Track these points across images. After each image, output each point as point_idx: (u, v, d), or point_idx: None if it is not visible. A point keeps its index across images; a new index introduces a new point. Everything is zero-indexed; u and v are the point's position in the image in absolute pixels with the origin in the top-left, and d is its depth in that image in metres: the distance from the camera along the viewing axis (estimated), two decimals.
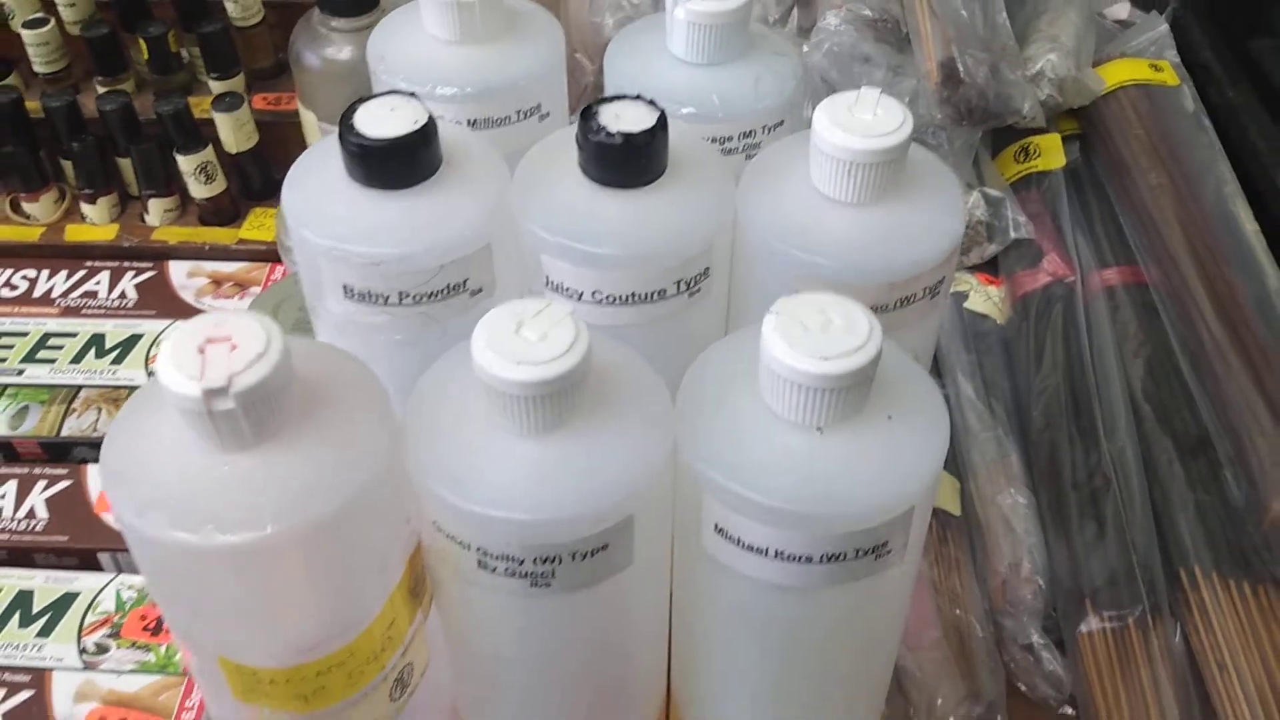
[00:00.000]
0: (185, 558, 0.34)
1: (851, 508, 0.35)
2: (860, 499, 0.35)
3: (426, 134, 0.41)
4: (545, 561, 0.35)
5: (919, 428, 0.36)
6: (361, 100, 0.43)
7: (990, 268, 0.70)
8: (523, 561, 0.35)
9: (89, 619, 0.53)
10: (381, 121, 0.42)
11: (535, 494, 0.35)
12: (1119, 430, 0.59)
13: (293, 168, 0.45)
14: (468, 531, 0.35)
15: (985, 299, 0.68)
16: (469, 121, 0.50)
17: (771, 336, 0.34)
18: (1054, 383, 0.62)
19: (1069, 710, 0.54)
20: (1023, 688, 0.54)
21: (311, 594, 0.36)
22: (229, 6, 0.73)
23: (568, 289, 0.43)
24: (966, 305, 0.68)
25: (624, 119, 0.42)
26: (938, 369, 0.66)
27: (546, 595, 0.36)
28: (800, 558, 0.36)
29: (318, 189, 0.43)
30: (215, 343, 0.33)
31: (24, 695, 0.51)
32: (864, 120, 0.41)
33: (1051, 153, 0.71)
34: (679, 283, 0.43)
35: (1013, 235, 0.68)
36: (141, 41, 0.71)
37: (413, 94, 0.43)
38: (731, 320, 0.48)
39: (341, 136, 0.42)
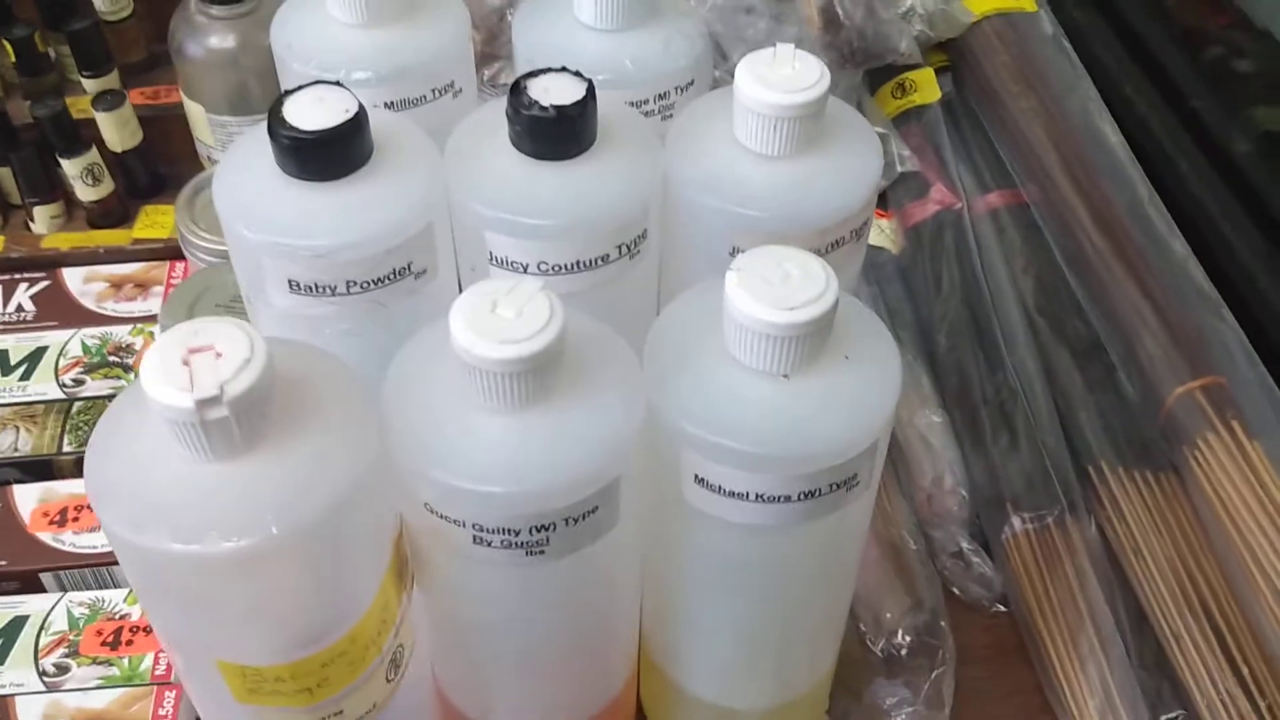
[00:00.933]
0: (187, 568, 0.34)
1: (824, 446, 0.37)
2: (831, 437, 0.37)
3: (359, 122, 0.42)
4: (540, 530, 0.37)
5: (874, 364, 0.39)
6: (287, 93, 0.43)
7: (880, 202, 0.73)
8: (519, 532, 0.37)
9: (43, 640, 0.52)
10: (311, 113, 0.41)
11: (527, 466, 0.36)
12: (1018, 344, 0.63)
13: (219, 165, 0.44)
14: (464, 510, 0.36)
15: (879, 232, 0.71)
16: (385, 104, 0.50)
17: (736, 292, 0.36)
18: (954, 306, 0.65)
19: (1001, 608, 0.58)
20: (957, 592, 0.58)
21: (315, 589, 0.36)
22: (96, 2, 0.70)
23: (513, 262, 0.44)
24: None
25: (553, 92, 0.43)
26: None
27: (540, 563, 0.38)
28: (779, 498, 0.38)
29: (250, 185, 0.43)
30: (199, 352, 0.33)
31: None
32: (784, 75, 0.43)
33: (926, 87, 0.75)
34: (620, 246, 0.45)
35: (899, 170, 0.71)
36: (6, 44, 0.68)
37: (337, 82, 0.43)
38: (665, 275, 0.49)
39: (271, 131, 0.41)
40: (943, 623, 0.55)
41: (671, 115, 0.51)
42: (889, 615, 0.55)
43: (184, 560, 0.33)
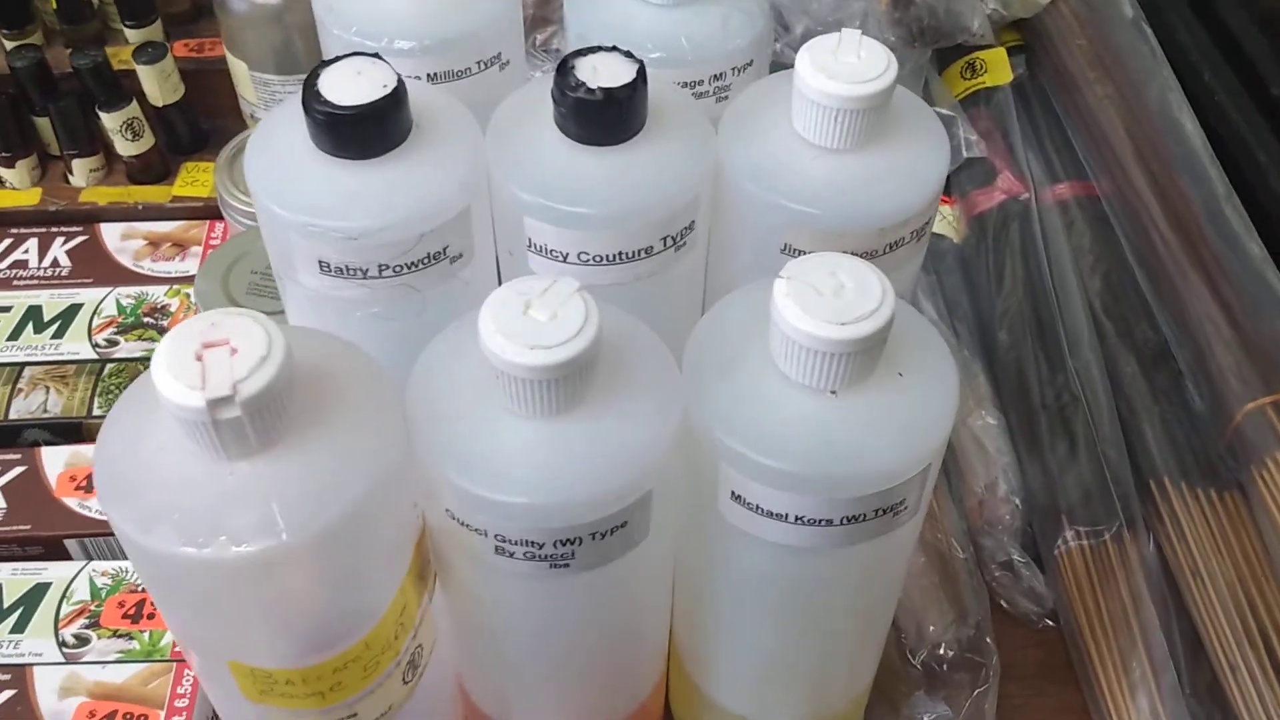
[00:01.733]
0: (196, 572, 0.32)
1: (870, 469, 0.35)
2: (878, 460, 0.35)
3: (398, 98, 0.40)
4: (565, 543, 0.35)
5: (930, 383, 0.36)
6: (324, 64, 0.41)
7: (944, 187, 0.70)
8: (542, 545, 0.35)
9: (64, 610, 0.52)
10: (348, 87, 0.40)
11: (555, 477, 0.34)
12: (1082, 346, 0.60)
13: (252, 136, 0.43)
14: (486, 519, 0.35)
15: (941, 219, 0.68)
16: (428, 75, 0.48)
17: (784, 302, 0.34)
18: (1016, 302, 0.62)
19: (1050, 624, 0.55)
20: (1005, 605, 0.56)
21: (327, 595, 0.35)
22: None
23: (552, 251, 0.42)
24: None
25: (602, 73, 0.40)
26: None
27: (564, 575, 0.36)
28: (820, 521, 0.36)
29: (283, 160, 0.41)
30: (212, 347, 0.31)
31: (6, 695, 0.49)
32: (848, 64, 0.40)
33: (998, 67, 0.71)
34: (665, 238, 0.42)
35: (965, 155, 0.68)
36: None
37: (376, 54, 0.41)
38: (711, 270, 0.47)
39: (306, 105, 0.40)
40: (988, 639, 0.53)
41: (727, 97, 0.49)
42: (932, 627, 0.53)
43: (193, 564, 0.32)
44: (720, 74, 0.48)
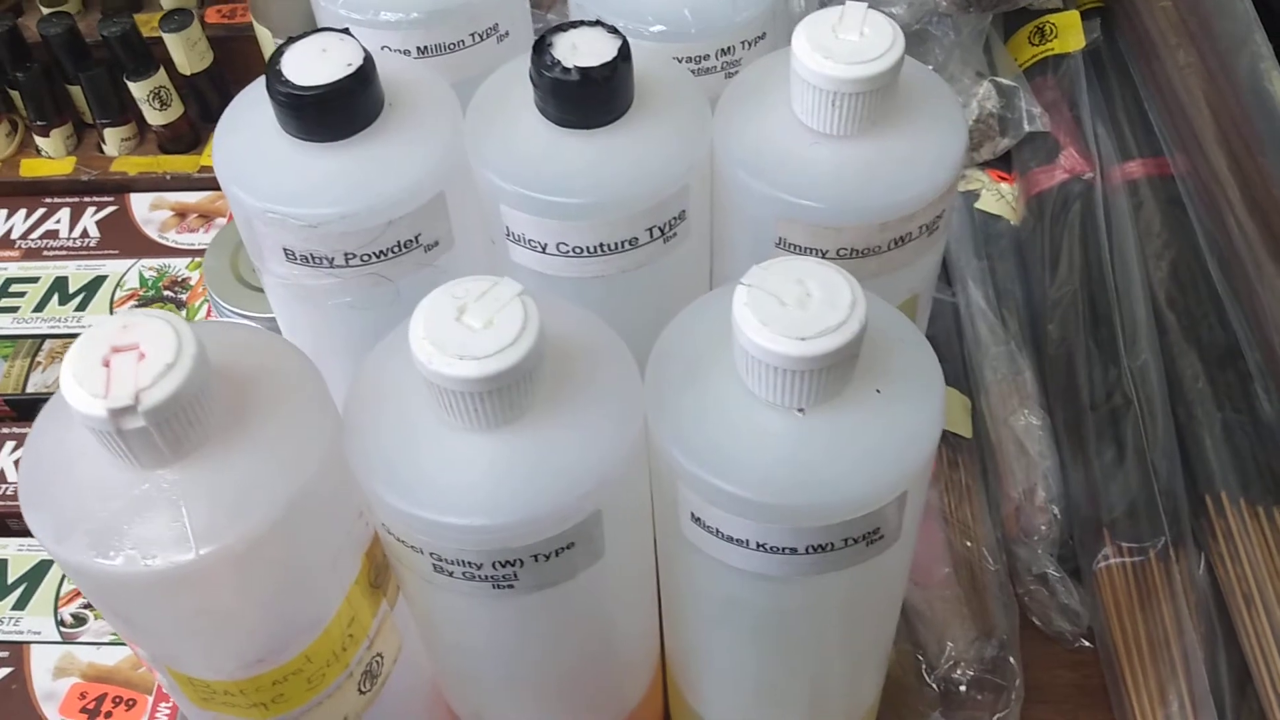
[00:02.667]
0: (110, 583, 0.31)
1: (837, 498, 0.32)
2: (847, 487, 0.32)
3: (363, 77, 0.37)
4: (506, 565, 0.33)
5: (911, 401, 0.33)
6: (290, 41, 0.39)
7: (1003, 164, 0.65)
8: (480, 566, 0.33)
9: (65, 588, 0.52)
10: (312, 66, 0.37)
11: (491, 496, 0.32)
12: (1140, 342, 0.55)
13: (224, 116, 0.41)
14: (419, 536, 0.32)
15: (998, 198, 0.64)
16: (417, 49, 0.45)
17: (743, 313, 0.31)
18: (1070, 290, 0.58)
19: (1085, 644, 0.51)
20: (1037, 622, 0.52)
21: (254, 608, 0.33)
22: None
23: (530, 240, 0.40)
24: (977, 205, 0.63)
25: (581, 50, 0.37)
26: (947, 276, 0.62)
27: (510, 596, 0.34)
28: (783, 549, 0.32)
29: (248, 143, 0.39)
30: (121, 351, 0.29)
31: (4, 672, 0.49)
32: (849, 42, 0.37)
33: (1070, 33, 0.66)
34: (651, 229, 0.39)
35: (1027, 128, 0.63)
36: None
37: (345, 30, 0.39)
38: (716, 265, 0.44)
39: (269, 86, 0.38)
40: (1012, 659, 0.49)
41: (737, 73, 0.45)
42: (952, 644, 0.49)
43: (106, 575, 0.30)
44: (728, 48, 0.45)
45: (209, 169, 0.67)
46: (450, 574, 0.33)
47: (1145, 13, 0.66)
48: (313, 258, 0.39)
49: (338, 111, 0.38)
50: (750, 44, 0.45)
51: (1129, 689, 0.48)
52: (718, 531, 0.33)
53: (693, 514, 0.33)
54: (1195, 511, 0.51)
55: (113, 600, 0.33)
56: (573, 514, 0.32)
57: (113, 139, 0.67)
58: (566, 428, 0.32)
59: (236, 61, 0.69)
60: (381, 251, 0.39)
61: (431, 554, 0.33)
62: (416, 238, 0.39)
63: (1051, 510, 0.52)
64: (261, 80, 0.40)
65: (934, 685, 0.49)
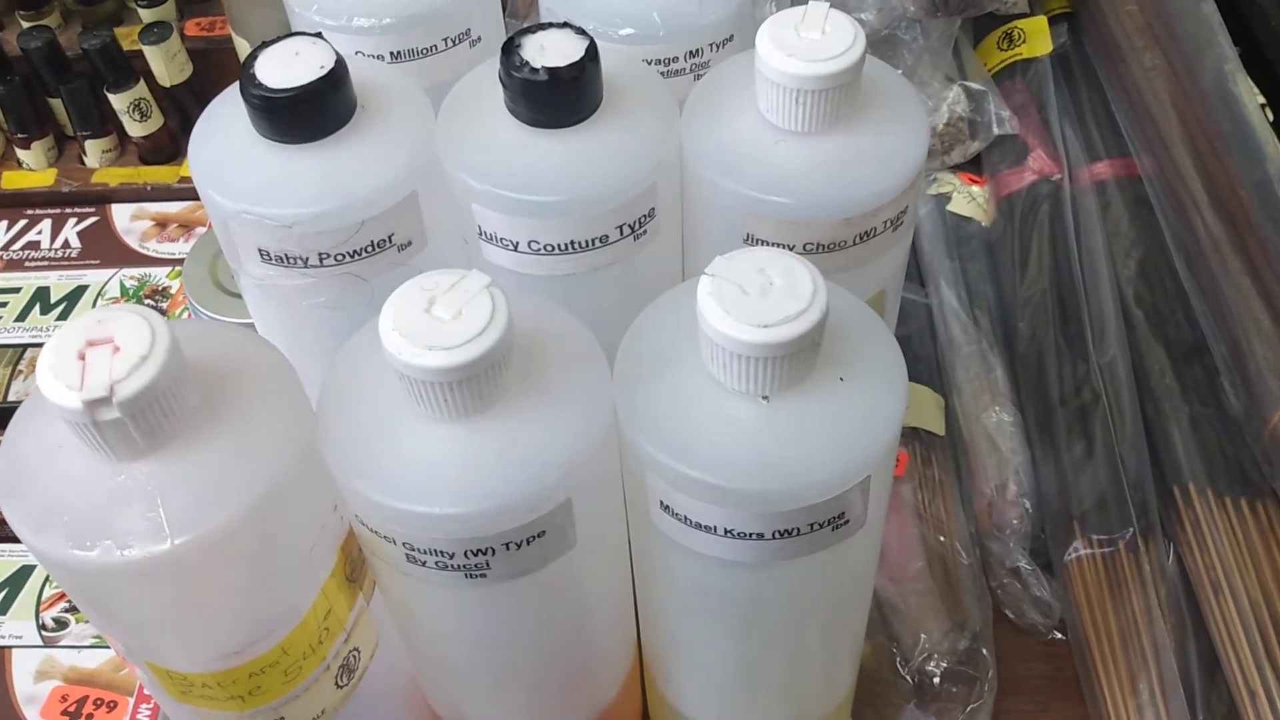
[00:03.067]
0: (88, 575, 0.31)
1: (803, 482, 0.32)
2: (812, 471, 0.32)
3: (335, 79, 0.38)
4: (478, 554, 0.33)
5: (874, 388, 0.33)
6: (264, 45, 0.39)
7: (974, 166, 0.66)
8: (453, 555, 0.33)
9: (46, 592, 0.52)
10: (285, 69, 0.38)
11: (461, 485, 0.32)
12: (1109, 339, 0.56)
13: (199, 120, 0.42)
14: (392, 526, 0.33)
15: (969, 200, 0.65)
16: (390, 54, 0.46)
17: (707, 302, 0.31)
18: (1040, 289, 0.58)
19: (1058, 636, 0.52)
20: (1010, 615, 0.53)
21: (230, 600, 0.33)
22: None
23: (502, 239, 0.40)
24: (949, 208, 0.64)
25: (549, 51, 0.38)
26: (920, 277, 0.63)
27: (484, 585, 0.34)
28: (751, 535, 0.33)
29: (223, 145, 0.40)
30: (96, 345, 0.30)
31: None
32: (812, 40, 0.37)
33: (1037, 37, 0.67)
34: (621, 226, 0.40)
35: (996, 131, 0.64)
36: None
37: (319, 34, 0.39)
38: (687, 261, 0.45)
39: (243, 89, 0.38)
40: (985, 651, 0.50)
41: (705, 75, 0.46)
42: (925, 637, 0.50)
43: (82, 567, 0.31)
44: (696, 50, 0.45)
45: (189, 179, 0.67)
46: (423, 564, 0.34)
47: (1112, 17, 0.67)
48: (288, 258, 0.40)
49: (311, 113, 0.38)
50: (718, 46, 0.46)
51: (1100, 679, 0.49)
52: (686, 519, 0.34)
53: (662, 502, 0.34)
54: (1164, 503, 0.52)
55: (90, 592, 0.33)
56: (543, 502, 0.33)
57: (94, 151, 0.67)
58: (535, 417, 0.33)
59: (215, 73, 0.69)
60: (355, 251, 0.40)
61: (404, 544, 0.33)
62: (390, 237, 0.40)
63: (1023, 504, 0.53)
64: (236, 85, 0.40)
65: (908, 678, 0.50)
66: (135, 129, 0.66)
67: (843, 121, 0.39)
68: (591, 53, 0.38)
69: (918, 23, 0.62)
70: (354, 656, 0.39)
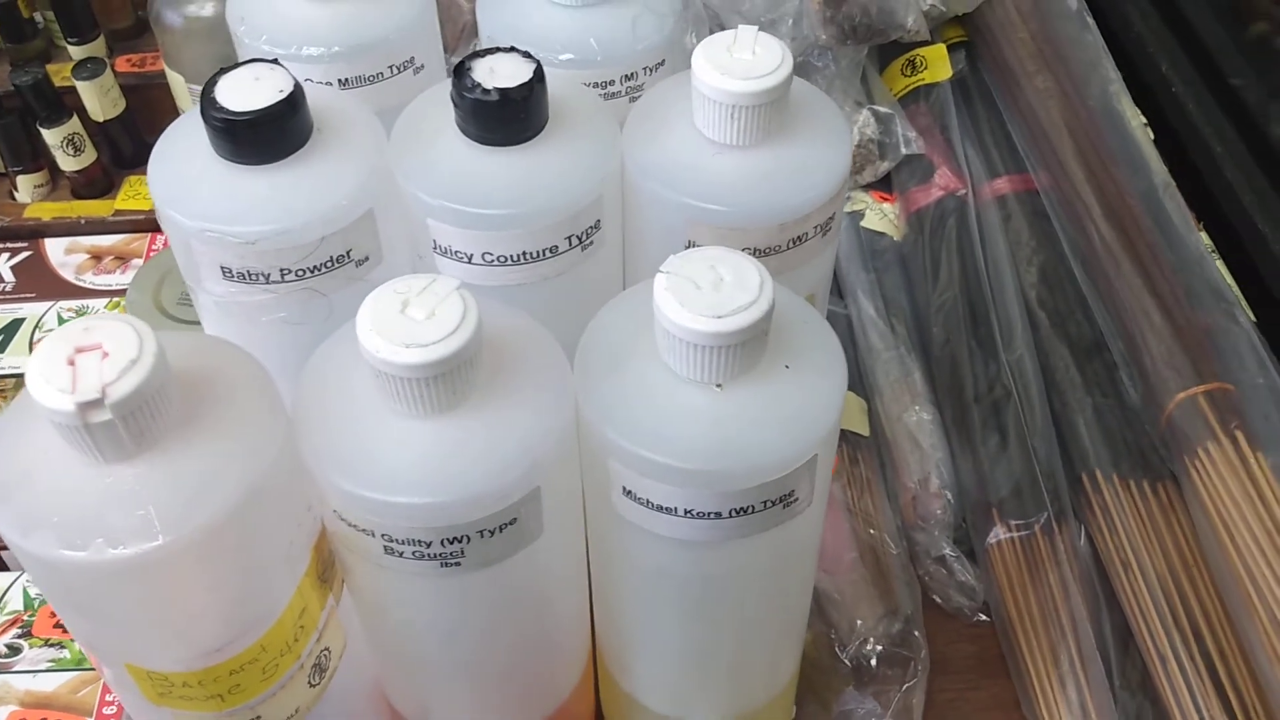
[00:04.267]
0: (77, 575, 0.33)
1: (756, 461, 0.35)
2: (764, 452, 0.35)
3: (294, 102, 0.40)
4: (453, 542, 0.35)
5: (817, 374, 0.36)
6: (223, 71, 0.41)
7: (884, 185, 0.70)
8: (430, 544, 0.35)
9: None
10: (245, 93, 0.40)
11: (437, 475, 0.34)
12: (1016, 339, 0.60)
13: (157, 144, 0.43)
14: (371, 519, 0.35)
15: (881, 216, 0.69)
16: (339, 81, 0.48)
17: (664, 297, 0.34)
18: (951, 296, 0.62)
19: (983, 618, 0.55)
20: (937, 599, 0.56)
21: (215, 596, 0.35)
22: None
23: (456, 252, 0.42)
24: (863, 224, 0.68)
25: (499, 73, 0.40)
26: (839, 289, 0.66)
27: (457, 574, 0.36)
28: (709, 514, 0.36)
29: (183, 167, 0.41)
30: (85, 351, 0.31)
31: None
32: (743, 60, 0.40)
33: (938, 64, 0.71)
34: (570, 238, 0.43)
35: (904, 151, 0.68)
36: None
37: (275, 60, 0.41)
38: (629, 268, 0.47)
39: (204, 112, 0.40)
40: (917, 633, 0.53)
41: (640, 97, 0.49)
42: (861, 622, 0.53)
43: (72, 567, 0.32)
44: (631, 74, 0.48)
45: (124, 212, 0.68)
46: (400, 554, 0.35)
47: (1005, 44, 0.71)
48: (249, 274, 0.41)
49: (271, 135, 0.40)
50: (651, 69, 0.49)
51: (1024, 654, 0.52)
52: (648, 502, 0.36)
53: (624, 488, 0.36)
54: (1073, 489, 0.56)
55: (77, 594, 0.34)
56: (514, 490, 0.35)
57: (25, 186, 0.68)
58: (505, 411, 0.35)
59: (147, 108, 0.70)
60: (315, 267, 0.41)
61: (383, 535, 0.35)
62: (348, 253, 0.42)
63: (945, 496, 0.56)
64: (193, 111, 0.42)
65: (847, 662, 0.52)
66: (68, 163, 0.67)
67: (774, 135, 0.42)
68: (539, 74, 0.41)
69: (829, 50, 0.65)
70: (325, 655, 0.40)
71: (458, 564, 0.36)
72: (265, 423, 0.35)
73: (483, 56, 0.41)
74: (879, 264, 0.66)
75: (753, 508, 0.36)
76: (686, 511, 0.36)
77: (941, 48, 0.72)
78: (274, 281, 0.41)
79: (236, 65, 0.41)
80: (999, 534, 0.54)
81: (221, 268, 0.41)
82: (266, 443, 0.34)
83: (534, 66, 0.41)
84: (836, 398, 0.36)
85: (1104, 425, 0.56)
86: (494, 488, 0.34)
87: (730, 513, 0.36)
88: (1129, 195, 0.63)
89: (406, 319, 0.33)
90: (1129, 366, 0.58)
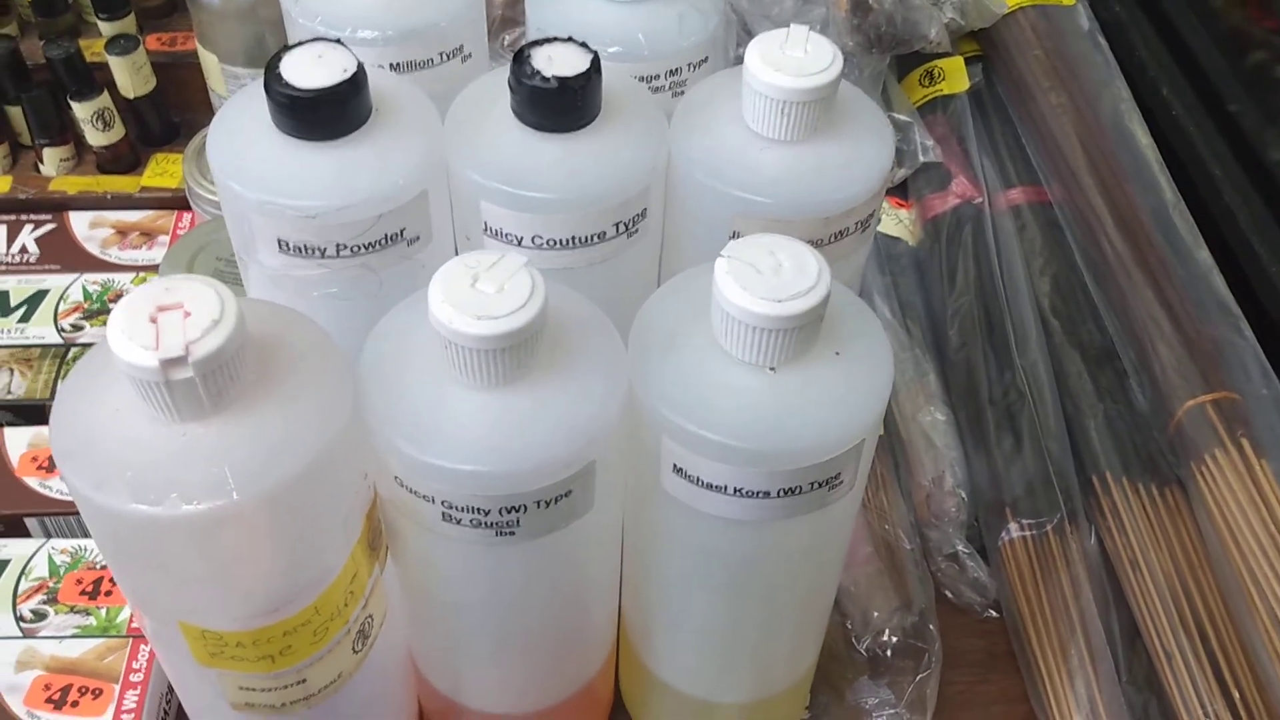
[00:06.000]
0: (148, 529, 0.33)
1: (807, 443, 0.36)
2: (815, 434, 0.36)
3: (357, 83, 0.41)
4: (510, 511, 0.36)
5: (865, 361, 0.37)
6: (286, 49, 0.42)
7: (900, 191, 0.72)
8: (488, 512, 0.36)
9: (23, 586, 0.52)
10: (309, 71, 0.41)
11: (500, 446, 0.35)
12: (1030, 345, 0.61)
13: (216, 118, 0.44)
14: (432, 485, 0.36)
15: (896, 222, 0.70)
16: (391, 66, 0.49)
17: (725, 280, 0.35)
18: (967, 302, 0.64)
19: (992, 614, 0.57)
20: (949, 595, 0.57)
21: (277, 557, 0.36)
22: None
23: (506, 234, 0.43)
24: (879, 229, 0.69)
25: (557, 62, 0.42)
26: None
27: (510, 543, 0.37)
28: (758, 493, 0.37)
29: (245, 141, 0.42)
30: (167, 310, 0.32)
31: None
32: (795, 58, 0.42)
33: (955, 76, 0.73)
34: (618, 224, 0.44)
35: (921, 159, 0.70)
36: None
37: (338, 40, 0.42)
38: (665, 257, 0.48)
39: (268, 87, 0.41)
40: (931, 626, 0.54)
41: (683, 92, 0.50)
42: (877, 614, 0.54)
43: (144, 521, 0.33)
44: (676, 69, 0.49)
45: (150, 189, 0.68)
46: (458, 521, 0.36)
47: (1020, 60, 0.73)
48: (305, 248, 0.42)
49: (335, 113, 0.41)
50: (695, 66, 0.50)
51: (1034, 649, 0.53)
52: (698, 480, 0.37)
53: (675, 465, 0.37)
54: (1084, 490, 0.57)
55: (143, 549, 0.35)
56: (574, 463, 0.36)
57: (51, 159, 0.68)
58: (565, 386, 0.36)
59: (177, 86, 0.71)
60: (370, 244, 0.42)
61: (443, 502, 0.36)
62: (401, 231, 0.43)
63: (959, 495, 0.58)
64: (252, 85, 0.43)
65: (862, 652, 0.54)
66: (97, 138, 0.67)
67: (820, 132, 0.43)
68: (596, 65, 0.42)
69: (854, 57, 0.67)
70: (369, 622, 0.41)
71: (512, 534, 0.37)
72: (335, 388, 0.35)
73: (541, 45, 0.42)
74: (894, 268, 0.68)
75: (800, 489, 0.37)
76: (736, 490, 0.37)
77: (959, 60, 0.73)
78: (328, 256, 0.42)
79: (300, 43, 0.42)
80: (1012, 532, 0.56)
81: (278, 240, 0.42)
82: (337, 407, 0.35)
83: (591, 57, 0.42)
84: (885, 385, 0.37)
85: (1114, 430, 0.58)
86: (555, 459, 0.35)
87: (779, 493, 0.37)
88: (1140, 210, 0.65)
89: (477, 292, 0.34)
90: (1139, 374, 0.60)
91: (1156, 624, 0.52)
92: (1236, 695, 0.50)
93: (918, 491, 0.59)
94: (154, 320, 0.32)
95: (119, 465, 0.33)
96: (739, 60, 0.43)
